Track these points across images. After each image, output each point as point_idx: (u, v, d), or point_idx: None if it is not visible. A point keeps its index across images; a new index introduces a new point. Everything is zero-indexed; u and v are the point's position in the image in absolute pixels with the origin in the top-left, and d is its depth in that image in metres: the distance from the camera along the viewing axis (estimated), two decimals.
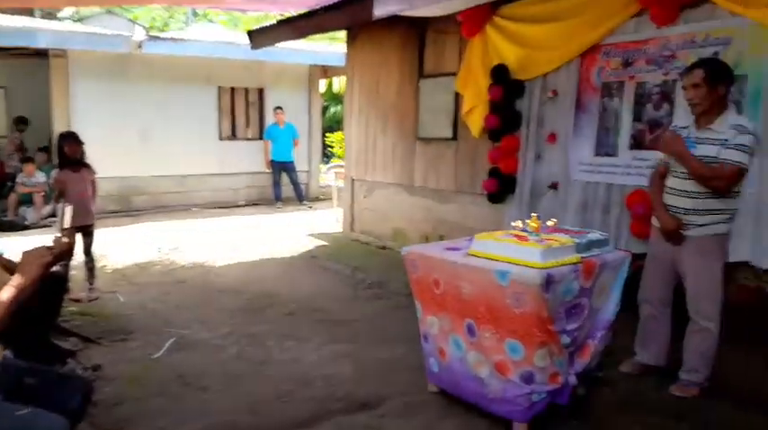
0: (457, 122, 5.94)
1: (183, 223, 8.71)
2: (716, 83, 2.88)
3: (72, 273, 4.96)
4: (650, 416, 2.86)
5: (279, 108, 10.29)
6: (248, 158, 10.75)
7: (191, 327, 4.24)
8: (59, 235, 2.13)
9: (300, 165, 10.92)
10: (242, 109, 10.94)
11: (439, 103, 6.15)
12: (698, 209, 2.94)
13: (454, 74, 5.81)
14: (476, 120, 5.52)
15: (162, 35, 10.58)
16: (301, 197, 10.58)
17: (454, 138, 6.02)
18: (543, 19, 4.88)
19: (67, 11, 14.72)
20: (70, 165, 4.83)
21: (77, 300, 4.75)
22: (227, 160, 10.63)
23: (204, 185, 10.50)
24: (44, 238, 2.62)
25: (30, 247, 1.96)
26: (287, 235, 7.79)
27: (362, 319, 4.47)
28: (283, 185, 10.47)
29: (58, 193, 5.07)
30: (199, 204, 10.26)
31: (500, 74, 5.14)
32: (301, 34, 6.59)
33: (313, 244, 7.27)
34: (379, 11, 4.75)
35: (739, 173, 2.83)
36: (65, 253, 2.24)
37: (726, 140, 2.83)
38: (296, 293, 5.15)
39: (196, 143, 10.31)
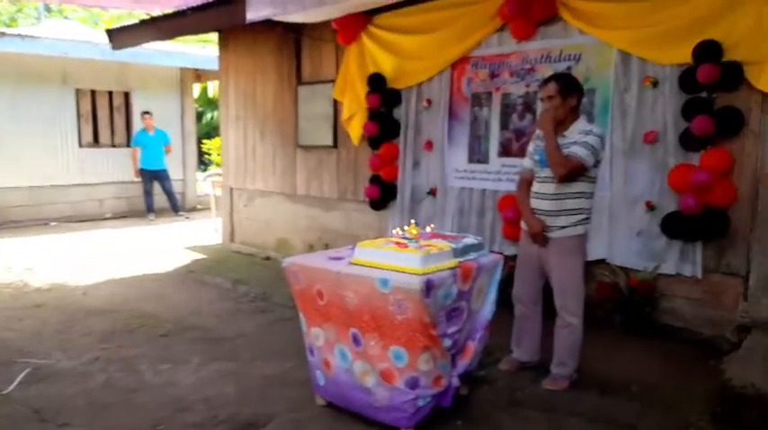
0: (337, 130, 5.94)
1: (39, 240, 7.90)
2: (567, 95, 3.13)
3: None
4: (526, 411, 3.03)
5: (147, 113, 9.67)
6: (114, 167, 10.03)
7: (50, 356, 3.83)
8: None
9: (175, 174, 10.36)
10: (105, 114, 10.17)
11: (318, 110, 6.11)
12: (557, 210, 3.17)
13: (333, 81, 5.80)
14: (355, 127, 5.56)
15: (8, 31, 9.52)
16: (176, 208, 10.03)
17: (335, 145, 6.01)
18: (414, 30, 5.03)
19: None
20: None
21: None
22: (89, 169, 9.84)
23: (63, 197, 9.60)
24: None
25: None
26: (161, 249, 7.33)
27: (246, 335, 4.31)
28: (156, 195, 9.85)
29: None
30: (57, 218, 9.35)
31: (377, 82, 5.22)
32: (167, 35, 6.27)
33: (190, 257, 6.90)
34: (252, 14, 4.63)
35: (579, 166, 3.07)
36: None
37: (575, 142, 3.08)
38: (171, 312, 4.84)
39: (52, 151, 9.43)
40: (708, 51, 3.51)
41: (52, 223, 9.15)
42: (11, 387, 3.37)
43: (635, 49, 3.90)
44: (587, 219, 3.22)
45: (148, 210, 9.79)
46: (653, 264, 3.91)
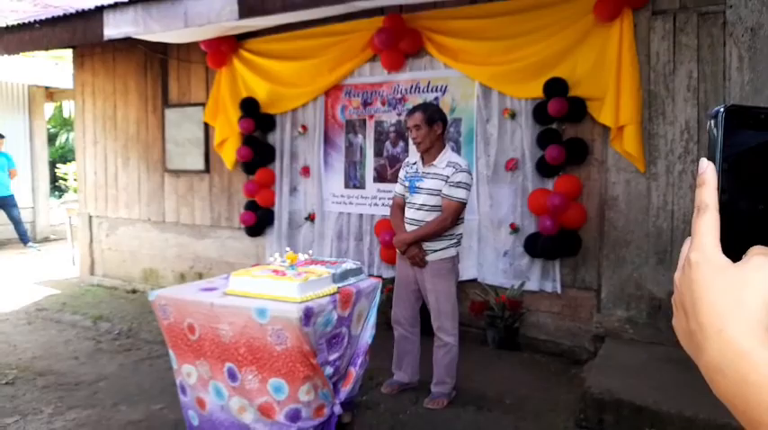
0: (209, 154, 5.72)
1: None
2: (432, 124, 3.29)
3: None
4: None
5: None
6: None
7: None
8: None
9: (24, 201, 9.32)
10: None
11: (188, 134, 5.85)
12: None
13: (203, 104, 5.60)
14: (229, 152, 5.39)
15: None
16: (25, 238, 8.99)
17: (207, 170, 5.78)
18: (287, 56, 5.03)
19: None
20: None
21: None
22: None
23: None
24: None
25: None
26: (5, 284, 6.52)
27: (108, 377, 3.93)
28: (0, 225, 8.77)
29: None
30: None
31: (249, 107, 5.12)
32: (10, 50, 5.68)
33: (42, 293, 6.21)
34: (111, 31, 4.36)
35: (461, 207, 3.27)
36: None
37: (447, 178, 3.24)
38: (18, 356, 4.31)
39: None
40: (555, 87, 3.88)
41: None
42: None
43: (494, 84, 4.21)
44: (458, 242, 3.37)
45: None
46: (519, 281, 4.19)
